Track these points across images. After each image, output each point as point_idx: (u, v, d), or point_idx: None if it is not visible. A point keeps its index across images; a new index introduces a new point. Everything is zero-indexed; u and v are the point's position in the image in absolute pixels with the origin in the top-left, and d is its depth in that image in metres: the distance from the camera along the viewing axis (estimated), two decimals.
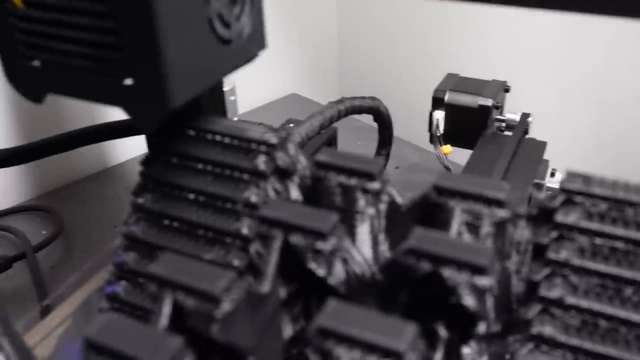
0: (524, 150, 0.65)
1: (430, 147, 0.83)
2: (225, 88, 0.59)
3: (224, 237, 0.33)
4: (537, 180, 0.59)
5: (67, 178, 0.93)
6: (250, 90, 1.00)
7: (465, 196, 0.30)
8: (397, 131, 0.79)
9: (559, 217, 0.29)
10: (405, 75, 1.10)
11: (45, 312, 0.43)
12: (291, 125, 0.77)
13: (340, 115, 0.64)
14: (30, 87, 0.35)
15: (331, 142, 0.78)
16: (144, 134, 0.65)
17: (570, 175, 0.30)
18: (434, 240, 0.27)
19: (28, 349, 0.28)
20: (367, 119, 0.73)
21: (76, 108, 0.88)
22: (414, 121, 0.90)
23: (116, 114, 0.65)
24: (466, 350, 0.31)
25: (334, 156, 0.33)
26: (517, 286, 0.32)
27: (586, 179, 0.30)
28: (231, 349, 0.27)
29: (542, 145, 0.66)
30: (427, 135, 0.77)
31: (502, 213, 0.30)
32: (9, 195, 0.88)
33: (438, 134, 0.70)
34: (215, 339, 0.25)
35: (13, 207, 0.87)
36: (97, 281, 0.41)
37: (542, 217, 0.31)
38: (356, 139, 0.88)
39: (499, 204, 0.30)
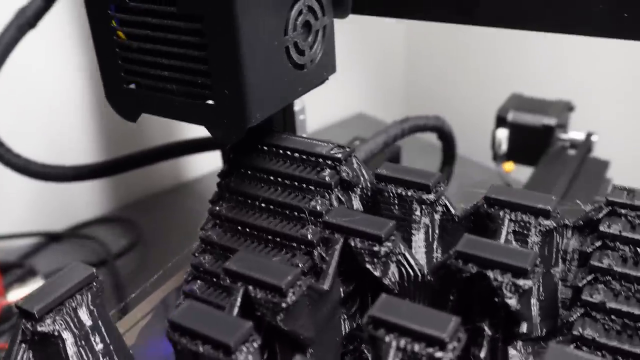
0: (587, 169, 0.66)
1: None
2: (296, 108, 0.63)
3: (291, 242, 0.37)
4: (598, 199, 0.60)
5: (145, 191, 0.99)
6: (317, 109, 1.04)
7: (514, 207, 0.33)
8: (463, 150, 0.81)
9: (603, 228, 0.31)
10: (472, 94, 1.11)
11: (124, 312, 0.48)
12: (357, 142, 0.80)
13: (404, 133, 0.67)
14: (126, 108, 0.39)
15: (395, 160, 0.81)
16: (219, 149, 0.69)
17: (615, 189, 0.32)
18: (481, 245, 0.29)
19: (119, 334, 0.32)
20: (431, 137, 0.76)
21: (155, 127, 0.93)
22: (480, 140, 0.92)
23: (190, 133, 0.70)
24: (512, 352, 0.34)
25: (392, 170, 0.36)
26: (563, 293, 0.34)
27: (630, 192, 0.32)
28: (294, 338, 0.30)
29: (604, 165, 0.67)
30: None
31: (548, 223, 0.32)
32: (92, 207, 0.94)
33: (500, 153, 0.72)
34: (280, 327, 0.28)
35: (96, 218, 0.94)
36: (175, 281, 0.45)
37: (588, 227, 0.33)
38: (420, 157, 0.91)
39: (545, 214, 0.32)
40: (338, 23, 0.41)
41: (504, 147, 0.72)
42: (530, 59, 1.00)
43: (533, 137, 0.71)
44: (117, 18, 0.37)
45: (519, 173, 0.74)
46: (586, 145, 0.70)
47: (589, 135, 0.71)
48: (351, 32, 1.15)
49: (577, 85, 0.91)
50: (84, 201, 0.93)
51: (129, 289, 0.76)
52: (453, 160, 0.78)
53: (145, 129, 0.93)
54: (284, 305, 0.28)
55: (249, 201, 0.39)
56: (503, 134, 0.72)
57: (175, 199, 0.99)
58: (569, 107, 0.73)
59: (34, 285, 0.76)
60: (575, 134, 0.71)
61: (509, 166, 0.71)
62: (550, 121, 0.70)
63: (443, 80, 1.18)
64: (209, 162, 1.00)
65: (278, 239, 0.37)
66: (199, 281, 0.40)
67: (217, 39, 0.33)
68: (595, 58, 0.91)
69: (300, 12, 0.37)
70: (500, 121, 0.72)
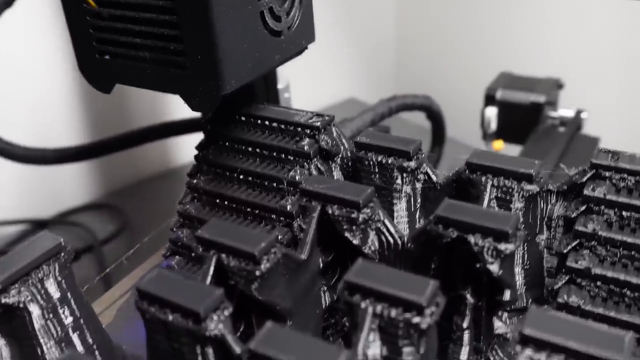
0: (576, 145, 0.65)
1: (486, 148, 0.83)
2: (280, 85, 0.62)
3: (270, 214, 0.36)
4: None
5: (132, 178, 0.97)
6: (308, 94, 1.03)
7: (496, 172, 0.32)
8: (454, 133, 0.79)
9: (587, 191, 0.30)
10: (464, 78, 1.10)
11: (107, 285, 0.47)
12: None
13: (392, 112, 0.66)
14: (100, 79, 0.38)
15: None
16: (201, 130, 0.68)
17: (600, 152, 0.31)
18: (461, 209, 0.28)
19: (91, 308, 0.31)
20: (421, 119, 0.75)
21: (139, 108, 0.92)
22: (472, 124, 0.91)
23: (176, 114, 0.69)
24: (498, 323, 0.33)
25: (372, 137, 0.35)
26: (549, 261, 0.33)
27: (615, 154, 0.31)
28: (271, 309, 0.29)
29: (594, 141, 0.66)
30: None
31: (531, 188, 0.31)
32: (79, 193, 0.93)
33: (490, 131, 0.71)
34: (255, 297, 0.27)
35: (83, 205, 0.92)
36: (156, 259, 0.44)
37: (572, 191, 0.32)
38: None
39: (528, 179, 0.31)
40: (329, 10, 0.40)
41: (493, 125, 0.71)
42: (520, 37, 0.98)
43: (522, 115, 0.69)
44: None
45: (508, 151, 0.73)
46: (576, 122, 0.69)
47: (578, 112, 0.70)
48: (341, 16, 1.14)
49: (566, 63, 0.90)
50: (71, 188, 0.92)
51: (115, 275, 0.75)
52: (443, 141, 0.76)
53: (131, 111, 0.92)
54: (257, 273, 0.27)
55: (227, 173, 0.38)
56: (492, 112, 0.70)
57: (163, 186, 0.98)
58: (558, 85, 0.72)
59: None
60: (564, 111, 0.70)
61: (498, 145, 0.70)
62: (539, 98, 0.69)
63: (435, 64, 1.16)
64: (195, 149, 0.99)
65: (257, 211, 0.36)
66: (177, 257, 0.39)
67: (188, 2, 0.32)
68: (584, 35, 0.90)
69: None
70: (489, 99, 0.71)
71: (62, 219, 0.90)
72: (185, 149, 1.00)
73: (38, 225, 0.88)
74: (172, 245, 0.39)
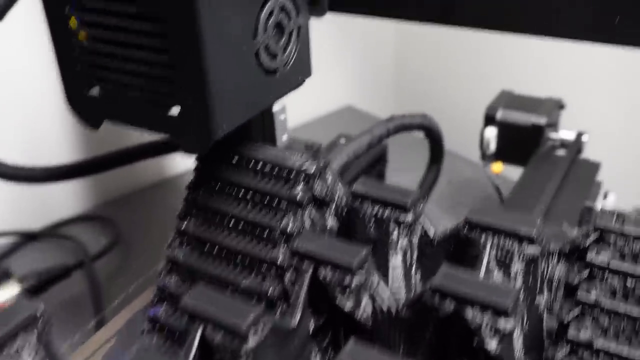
0: (577, 171, 0.64)
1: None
2: (275, 108, 0.60)
3: (260, 265, 0.34)
4: (588, 203, 0.58)
5: (126, 188, 0.96)
6: (304, 102, 1.01)
7: (496, 232, 0.30)
8: (452, 145, 0.78)
9: (590, 256, 0.29)
10: (461, 87, 1.09)
11: (99, 325, 0.46)
12: (342, 140, 0.77)
13: (390, 133, 0.65)
14: (88, 114, 0.37)
15: (381, 157, 0.78)
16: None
17: (604, 213, 0.30)
18: (459, 279, 0.27)
19: None
20: (419, 132, 0.73)
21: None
22: (469, 136, 0.90)
23: None
24: None
25: (369, 187, 0.34)
26: (549, 323, 0.32)
27: (620, 216, 0.30)
28: None
29: (595, 167, 0.65)
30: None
31: (532, 250, 0.30)
32: (70, 204, 0.91)
33: (489, 152, 0.69)
34: None
35: (73, 217, 0.91)
36: (142, 301, 0.43)
37: (574, 253, 0.31)
38: (407, 153, 0.88)
39: (529, 240, 0.30)
40: (328, 18, 0.39)
41: (492, 146, 0.69)
42: (522, 55, 0.97)
43: (522, 137, 0.68)
44: (78, 17, 0.34)
45: (508, 171, 0.71)
46: (576, 145, 0.67)
47: (579, 135, 0.68)
48: (339, 22, 1.12)
49: (568, 82, 0.89)
50: (62, 199, 0.91)
51: (108, 293, 0.74)
52: (441, 158, 0.75)
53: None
54: (244, 350, 0.26)
55: (217, 218, 0.37)
56: (492, 132, 0.69)
57: (158, 196, 0.97)
58: (559, 106, 0.71)
59: (9, 287, 0.73)
60: (565, 133, 0.69)
61: (497, 167, 0.69)
62: (540, 120, 0.67)
63: (434, 72, 1.15)
64: (193, 157, 0.98)
65: (247, 261, 0.35)
66: (164, 305, 0.37)
67: (178, 42, 0.31)
68: (588, 54, 0.88)
69: (271, 13, 0.34)
70: (489, 120, 0.70)
71: (53, 231, 0.88)
72: (179, 158, 0.98)
73: (27, 237, 0.86)
74: (159, 292, 0.37)
